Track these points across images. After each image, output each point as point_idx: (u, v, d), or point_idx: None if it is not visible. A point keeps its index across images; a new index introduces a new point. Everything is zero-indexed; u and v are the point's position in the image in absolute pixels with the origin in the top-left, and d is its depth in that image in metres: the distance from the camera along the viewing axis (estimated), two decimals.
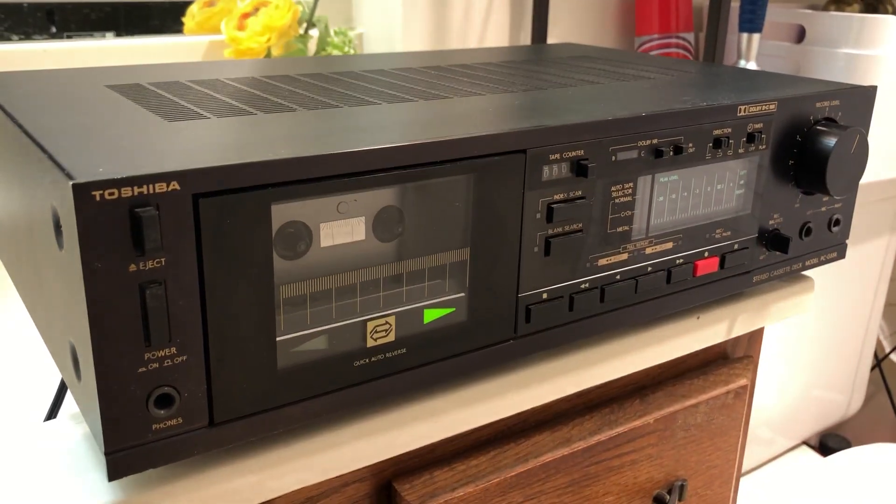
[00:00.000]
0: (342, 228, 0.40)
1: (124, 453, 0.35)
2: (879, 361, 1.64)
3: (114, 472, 0.35)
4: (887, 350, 1.65)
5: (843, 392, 1.58)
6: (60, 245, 0.35)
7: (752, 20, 1.05)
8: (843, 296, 1.45)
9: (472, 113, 0.47)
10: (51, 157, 0.34)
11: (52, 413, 0.44)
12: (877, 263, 1.47)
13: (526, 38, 1.16)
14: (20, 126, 0.41)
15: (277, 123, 0.43)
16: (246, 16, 0.99)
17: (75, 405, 0.40)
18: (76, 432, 0.42)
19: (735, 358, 0.66)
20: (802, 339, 1.45)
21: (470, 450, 0.53)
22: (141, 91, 0.51)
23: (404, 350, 0.43)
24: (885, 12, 1.18)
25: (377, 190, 0.40)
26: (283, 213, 0.37)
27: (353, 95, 0.51)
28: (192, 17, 1.00)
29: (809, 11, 1.14)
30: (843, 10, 1.20)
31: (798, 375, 1.48)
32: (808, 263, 0.61)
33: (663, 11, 1.17)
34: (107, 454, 0.35)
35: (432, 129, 0.42)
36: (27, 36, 0.91)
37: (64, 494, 0.38)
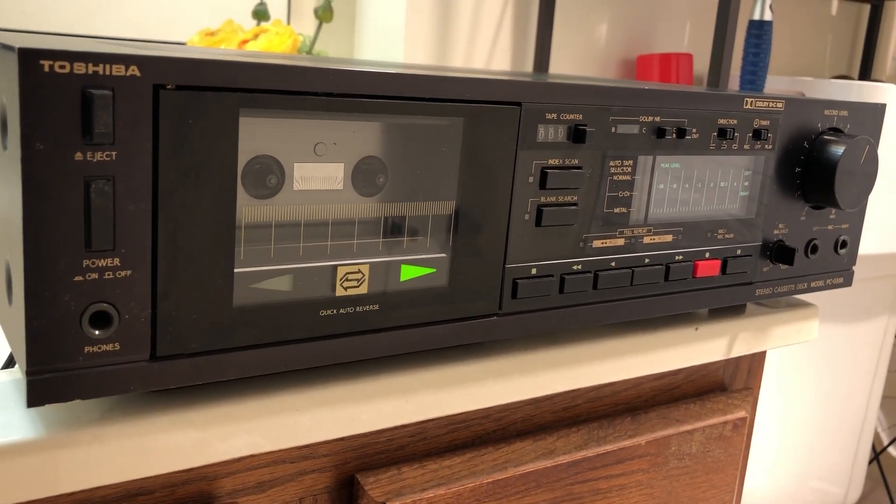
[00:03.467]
0: (318, 172, 0.37)
1: (49, 376, 0.31)
2: (878, 454, 1.57)
3: (34, 398, 0.31)
4: (885, 443, 1.59)
5: (840, 484, 1.52)
6: (5, 145, 0.32)
7: (752, 80, 1.05)
8: (840, 377, 1.41)
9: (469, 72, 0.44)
10: (2, 45, 0.32)
11: (10, 363, 0.39)
12: (875, 345, 1.43)
13: None
14: None
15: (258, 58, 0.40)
16: (245, 42, 0.98)
17: None
18: (18, 376, 0.38)
19: (734, 389, 0.62)
20: (799, 423, 1.39)
21: (444, 451, 0.48)
22: (127, 44, 0.48)
23: (377, 307, 0.39)
24: None
25: (358, 124, 0.37)
26: (253, 134, 0.34)
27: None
28: (192, 45, 0.99)
29: (810, 79, 1.14)
30: None
31: (793, 462, 1.41)
32: (813, 285, 0.57)
33: (664, 72, 1.17)
34: (28, 374, 0.31)
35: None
36: None
37: None
